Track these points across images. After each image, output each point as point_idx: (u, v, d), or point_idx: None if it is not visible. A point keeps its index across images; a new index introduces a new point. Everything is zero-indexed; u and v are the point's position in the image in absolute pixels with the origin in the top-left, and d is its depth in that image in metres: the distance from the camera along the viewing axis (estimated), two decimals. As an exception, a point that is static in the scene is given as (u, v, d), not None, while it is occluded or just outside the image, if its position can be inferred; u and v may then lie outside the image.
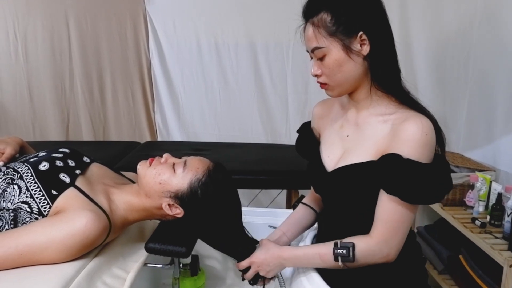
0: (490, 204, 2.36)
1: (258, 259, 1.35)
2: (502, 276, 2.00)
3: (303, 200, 1.59)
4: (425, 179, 1.15)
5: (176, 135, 3.71)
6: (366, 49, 1.21)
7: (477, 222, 2.30)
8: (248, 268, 1.38)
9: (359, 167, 1.24)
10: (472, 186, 2.49)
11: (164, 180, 1.33)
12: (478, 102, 2.74)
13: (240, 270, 1.40)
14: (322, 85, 1.30)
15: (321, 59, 1.25)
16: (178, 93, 3.64)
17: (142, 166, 1.37)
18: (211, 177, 1.35)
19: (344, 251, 1.22)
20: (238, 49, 3.47)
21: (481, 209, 2.43)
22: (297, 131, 1.59)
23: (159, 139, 3.76)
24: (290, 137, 3.46)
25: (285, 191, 2.78)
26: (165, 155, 1.40)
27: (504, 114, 2.49)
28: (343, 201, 1.31)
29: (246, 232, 1.45)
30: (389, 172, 1.17)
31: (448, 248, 2.63)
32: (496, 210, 2.28)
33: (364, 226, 1.24)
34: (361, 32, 1.19)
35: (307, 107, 3.42)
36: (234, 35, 3.44)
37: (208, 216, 1.37)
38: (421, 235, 2.89)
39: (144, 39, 3.61)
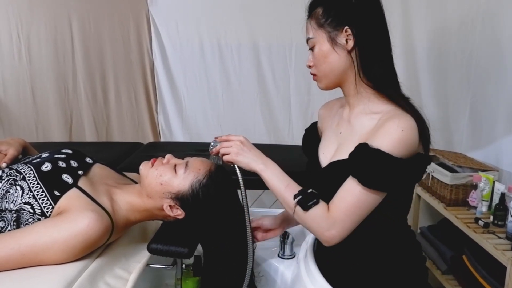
0: (493, 204, 2.36)
1: (246, 141, 1.37)
2: (505, 276, 2.00)
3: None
4: (388, 168, 1.17)
5: (179, 136, 3.71)
6: (350, 43, 1.26)
7: (480, 222, 2.30)
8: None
9: (346, 163, 1.26)
10: (475, 186, 2.49)
11: (165, 181, 1.33)
12: (480, 102, 2.74)
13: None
14: (313, 76, 1.36)
15: (312, 49, 1.32)
16: (181, 94, 3.64)
17: (144, 167, 1.38)
18: (212, 179, 1.35)
19: (308, 197, 1.24)
20: (240, 50, 3.47)
21: (484, 209, 2.43)
22: (305, 129, 1.62)
23: (162, 140, 3.76)
24: (292, 138, 3.46)
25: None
26: (167, 156, 1.40)
27: (506, 114, 2.49)
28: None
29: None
30: (355, 157, 1.20)
31: (451, 248, 2.62)
32: (499, 210, 2.28)
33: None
34: (346, 27, 1.25)
35: (309, 108, 3.42)
36: (237, 36, 3.44)
37: (209, 217, 1.37)
38: (424, 235, 2.89)
39: (147, 40, 3.60)
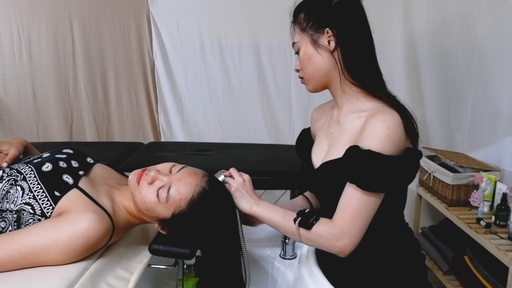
0: (495, 204, 2.36)
1: (248, 182, 1.41)
2: (507, 277, 1.99)
3: (305, 193, 1.64)
4: (383, 168, 1.19)
5: (180, 136, 3.70)
6: (332, 44, 1.30)
7: (482, 222, 2.30)
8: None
9: (337, 163, 1.28)
10: (476, 186, 2.48)
11: (150, 208, 1.30)
12: (482, 101, 2.73)
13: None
14: (301, 79, 1.42)
15: (298, 53, 1.38)
16: (182, 94, 3.63)
17: (131, 183, 1.34)
18: (194, 208, 1.29)
19: (307, 216, 1.26)
20: (241, 50, 3.46)
21: (486, 209, 2.43)
22: (299, 135, 1.67)
23: (162, 139, 3.75)
24: (293, 138, 3.43)
25: (288, 191, 2.78)
26: (152, 174, 1.31)
27: (508, 113, 2.48)
28: (329, 196, 1.33)
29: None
30: (349, 161, 1.23)
31: (453, 249, 2.62)
32: (501, 210, 2.27)
33: None
34: (327, 28, 1.29)
35: (310, 107, 3.41)
36: (238, 36, 3.43)
37: (198, 234, 1.35)
38: (425, 236, 2.89)
39: (148, 40, 3.60)
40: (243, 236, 1.39)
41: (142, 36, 3.59)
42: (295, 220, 1.27)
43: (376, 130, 1.19)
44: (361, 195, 1.20)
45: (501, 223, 2.27)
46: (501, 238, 2.15)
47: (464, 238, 2.40)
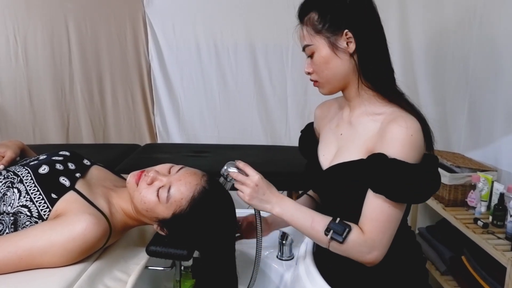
0: (492, 204, 2.35)
1: (262, 183, 1.30)
2: (505, 277, 1.99)
3: (308, 192, 1.61)
4: (411, 178, 1.16)
5: (176, 138, 3.70)
6: (352, 46, 1.24)
7: (479, 222, 2.29)
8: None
9: (350, 165, 1.25)
10: (473, 186, 2.48)
11: (149, 208, 1.29)
12: (479, 101, 2.73)
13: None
14: (314, 82, 1.34)
15: (311, 56, 1.30)
16: (178, 96, 3.64)
17: (130, 185, 1.33)
18: (195, 207, 1.29)
19: (339, 228, 1.21)
20: (237, 51, 3.47)
21: (483, 209, 2.43)
22: (301, 131, 1.62)
23: (159, 141, 3.76)
24: (289, 139, 3.46)
25: (285, 192, 2.78)
26: (151, 175, 1.31)
27: (505, 113, 2.48)
28: (336, 198, 1.32)
29: None
30: (375, 171, 1.18)
31: (450, 249, 2.62)
32: (498, 210, 2.27)
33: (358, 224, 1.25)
34: (346, 30, 1.23)
35: (306, 108, 3.42)
36: (234, 37, 3.44)
37: (197, 236, 1.35)
38: (423, 236, 2.89)
39: (144, 42, 3.60)
40: (261, 240, 1.39)
41: (138, 38, 3.59)
42: (326, 232, 1.22)
43: (399, 137, 1.16)
44: (389, 206, 1.18)
45: (498, 223, 2.27)
46: (499, 238, 2.15)
47: (462, 238, 2.40)
